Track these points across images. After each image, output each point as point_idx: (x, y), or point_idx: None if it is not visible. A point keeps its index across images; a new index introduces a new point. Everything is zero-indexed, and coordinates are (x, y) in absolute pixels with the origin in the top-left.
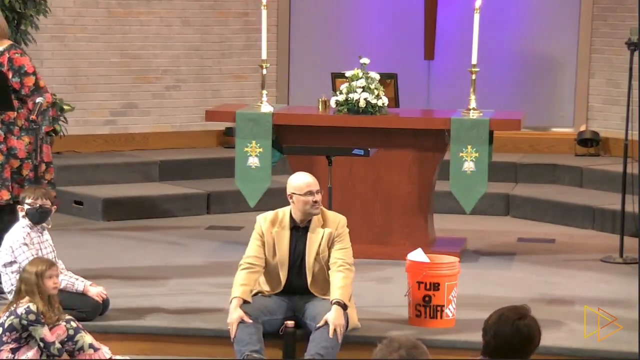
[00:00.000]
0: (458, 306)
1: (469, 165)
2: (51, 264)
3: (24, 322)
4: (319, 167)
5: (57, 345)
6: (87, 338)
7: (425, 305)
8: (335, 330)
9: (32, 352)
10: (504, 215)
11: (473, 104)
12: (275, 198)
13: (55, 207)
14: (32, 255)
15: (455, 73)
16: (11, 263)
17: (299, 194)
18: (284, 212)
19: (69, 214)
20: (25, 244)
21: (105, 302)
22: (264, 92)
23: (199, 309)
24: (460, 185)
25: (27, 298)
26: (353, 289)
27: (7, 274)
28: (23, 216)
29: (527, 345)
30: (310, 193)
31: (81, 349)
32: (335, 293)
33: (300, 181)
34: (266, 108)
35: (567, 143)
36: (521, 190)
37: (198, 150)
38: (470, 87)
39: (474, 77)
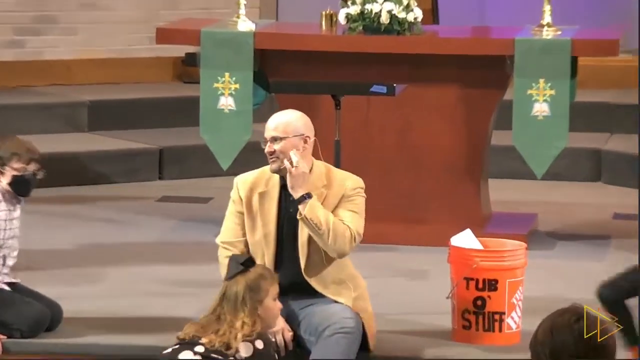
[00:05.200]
0: (525, 313)
1: (541, 108)
2: None
3: None
4: (322, 111)
5: None
6: None
7: (478, 312)
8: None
9: None
10: (593, 181)
11: (548, 18)
12: (258, 155)
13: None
14: None
15: None
16: None
17: None
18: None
19: None
20: None
21: (56, 314)
22: (242, 1)
23: (145, 318)
24: (529, 138)
25: None
26: (369, 291)
27: None
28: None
29: (601, 355)
30: (264, 139)
31: None
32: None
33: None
34: (245, 25)
35: None
36: (618, 144)
37: (145, 86)
38: None
39: None
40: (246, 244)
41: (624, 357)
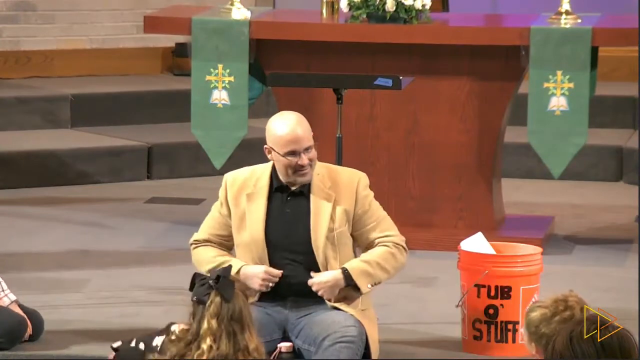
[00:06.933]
0: None
1: (558, 102)
2: None
3: None
4: (323, 106)
5: None
6: None
7: (489, 321)
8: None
9: None
10: (614, 181)
11: (566, 5)
12: (254, 154)
13: None
14: None
15: None
16: None
17: (278, 152)
18: (263, 169)
19: None
20: None
21: (36, 324)
22: None
23: (133, 328)
24: (545, 135)
25: None
26: (374, 299)
27: None
28: None
29: None
30: (294, 153)
31: None
32: (353, 261)
33: (280, 131)
34: (240, 13)
35: None
36: None
37: (132, 78)
38: None
39: None
40: (223, 240)
41: None
